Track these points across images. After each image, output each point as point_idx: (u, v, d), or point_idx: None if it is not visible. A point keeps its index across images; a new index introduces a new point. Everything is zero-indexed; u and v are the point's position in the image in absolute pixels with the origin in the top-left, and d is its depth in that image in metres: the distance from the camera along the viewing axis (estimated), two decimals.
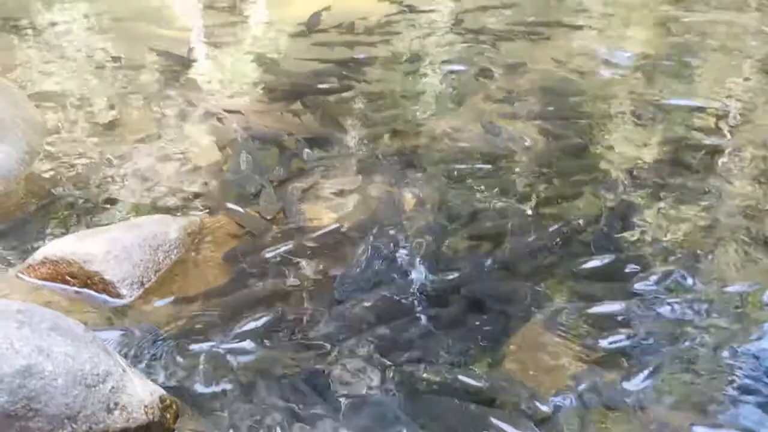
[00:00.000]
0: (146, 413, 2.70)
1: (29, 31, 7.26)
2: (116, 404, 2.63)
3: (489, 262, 3.83)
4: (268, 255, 3.84)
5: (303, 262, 3.82)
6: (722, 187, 4.51)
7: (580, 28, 7.17)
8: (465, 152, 4.96)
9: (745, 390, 3.02)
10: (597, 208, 4.29)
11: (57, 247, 3.66)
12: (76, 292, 3.56)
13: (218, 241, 3.99)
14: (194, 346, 3.25)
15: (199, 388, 3.05)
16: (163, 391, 2.86)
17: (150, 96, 5.82)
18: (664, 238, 4.00)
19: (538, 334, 3.34)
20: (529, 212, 4.27)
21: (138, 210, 4.31)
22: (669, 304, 3.49)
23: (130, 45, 6.84)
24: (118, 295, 3.53)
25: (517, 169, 4.73)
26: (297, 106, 5.61)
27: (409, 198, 4.42)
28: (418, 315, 3.46)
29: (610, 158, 4.85)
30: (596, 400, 2.98)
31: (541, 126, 5.26)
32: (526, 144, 4.99)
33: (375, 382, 3.07)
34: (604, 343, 3.27)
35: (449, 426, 2.88)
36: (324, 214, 4.25)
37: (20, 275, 3.66)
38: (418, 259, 3.86)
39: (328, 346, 3.24)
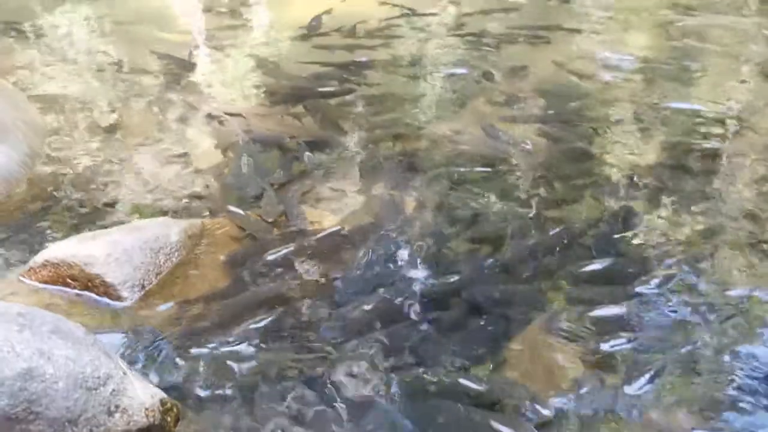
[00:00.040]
0: (147, 416, 2.70)
1: (31, 34, 7.27)
2: (117, 407, 2.63)
3: (490, 265, 3.83)
4: (269, 258, 3.85)
5: (304, 265, 3.82)
6: (723, 190, 4.52)
7: (580, 31, 7.17)
8: (466, 155, 4.96)
9: (746, 394, 3.02)
10: (598, 212, 4.29)
11: (58, 250, 3.67)
12: (77, 295, 3.56)
13: (219, 244, 4.00)
14: (195, 349, 3.25)
15: (200, 391, 3.05)
16: (163, 394, 2.87)
17: (151, 99, 5.83)
18: (665, 242, 4.00)
19: (540, 337, 3.34)
20: (530, 215, 4.27)
21: (139, 213, 4.32)
22: (670, 307, 3.49)
23: (132, 48, 6.85)
24: (119, 298, 3.54)
25: (517, 173, 4.73)
26: (298, 109, 5.61)
27: (409, 201, 4.42)
28: (418, 318, 3.46)
29: (610, 161, 4.85)
30: (597, 403, 2.98)
31: (542, 129, 5.26)
32: (527, 147, 4.99)
33: (376, 386, 3.07)
34: (605, 346, 3.27)
35: (450, 430, 2.88)
36: (325, 217, 4.25)
37: (21, 278, 3.66)
38: (418, 262, 3.86)
39: (329, 349, 3.24)
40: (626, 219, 4.20)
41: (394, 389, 3.04)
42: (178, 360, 3.19)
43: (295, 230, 4.10)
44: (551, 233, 4.03)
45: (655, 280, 3.66)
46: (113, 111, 5.59)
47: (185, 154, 4.98)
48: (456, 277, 3.73)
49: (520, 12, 7.72)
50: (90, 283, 3.55)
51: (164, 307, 3.52)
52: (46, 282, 3.60)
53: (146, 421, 2.69)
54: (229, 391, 3.04)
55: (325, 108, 5.62)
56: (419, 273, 3.78)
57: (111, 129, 5.31)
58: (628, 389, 3.02)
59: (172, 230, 3.89)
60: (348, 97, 5.80)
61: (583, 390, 3.04)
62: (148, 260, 3.68)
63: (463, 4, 8.05)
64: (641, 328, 3.36)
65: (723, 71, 6.32)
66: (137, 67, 6.41)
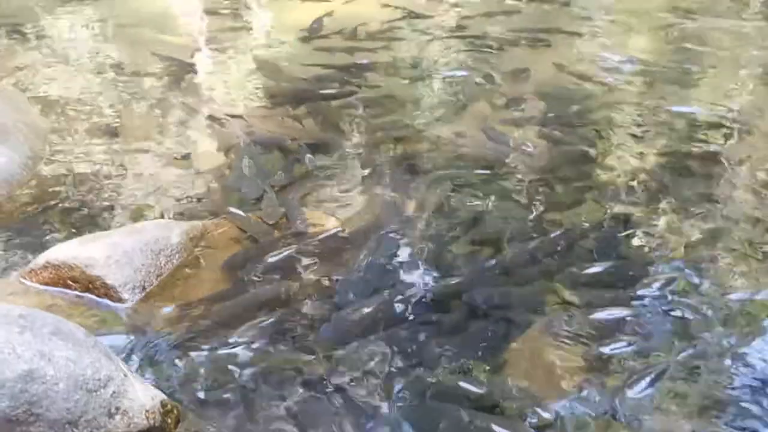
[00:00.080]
0: (147, 418, 2.70)
1: (32, 36, 7.28)
2: (117, 409, 2.63)
3: (490, 267, 3.83)
4: (270, 260, 3.85)
5: (305, 267, 3.82)
6: (724, 193, 4.52)
7: (581, 34, 7.18)
8: (466, 158, 4.96)
9: (747, 398, 3.02)
10: (598, 214, 4.29)
11: (59, 252, 3.67)
12: (78, 297, 3.56)
13: (220, 246, 4.00)
14: (196, 351, 3.25)
15: (201, 393, 3.05)
16: (164, 396, 2.87)
17: (152, 101, 5.83)
18: (666, 245, 4.00)
19: (540, 339, 3.34)
20: (531, 218, 4.27)
21: (140, 214, 4.32)
22: (671, 310, 3.49)
23: (133, 49, 6.86)
24: (120, 300, 3.54)
25: (518, 175, 4.74)
26: (299, 111, 5.61)
27: (410, 203, 4.42)
28: (418, 320, 3.46)
29: (611, 164, 4.85)
30: (598, 406, 2.98)
31: (543, 132, 5.26)
32: (528, 150, 5.00)
33: (376, 388, 3.06)
34: (605, 349, 3.27)
35: None
36: (326, 219, 4.25)
37: (22, 279, 3.66)
38: (419, 264, 3.86)
39: (330, 351, 3.24)
40: (627, 222, 4.20)
41: (394, 392, 3.04)
42: (178, 362, 3.19)
43: (296, 232, 4.10)
44: (552, 236, 4.03)
45: (656, 283, 3.66)
46: (114, 113, 5.60)
47: (186, 156, 4.99)
48: (456, 280, 3.72)
49: (520, 15, 7.73)
50: (91, 284, 3.55)
51: (165, 309, 3.52)
52: (46, 283, 3.60)
53: (147, 423, 2.69)
54: (229, 393, 3.04)
55: (327, 110, 5.63)
56: (420, 275, 3.78)
57: (112, 131, 5.31)
58: (629, 392, 3.02)
59: (173, 232, 3.90)
60: (349, 100, 5.80)
61: (584, 393, 3.03)
62: (148, 262, 3.68)
63: (465, 6, 8.06)
64: (642, 331, 3.36)
65: (723, 74, 6.33)
66: (138, 68, 6.41)
